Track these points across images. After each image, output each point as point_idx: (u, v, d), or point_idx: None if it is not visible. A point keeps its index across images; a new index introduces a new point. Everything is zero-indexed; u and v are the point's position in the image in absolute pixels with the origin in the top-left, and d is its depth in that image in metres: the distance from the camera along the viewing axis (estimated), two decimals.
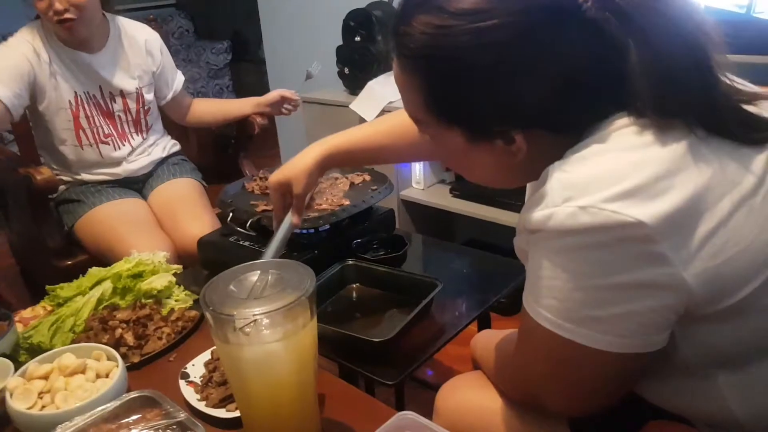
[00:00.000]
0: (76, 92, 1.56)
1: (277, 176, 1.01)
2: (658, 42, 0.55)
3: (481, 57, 0.57)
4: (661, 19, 0.55)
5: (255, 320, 0.66)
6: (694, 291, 0.53)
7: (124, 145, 1.66)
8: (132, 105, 1.64)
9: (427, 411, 0.70)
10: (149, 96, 1.68)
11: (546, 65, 0.57)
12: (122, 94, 1.62)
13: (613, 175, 0.54)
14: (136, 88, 1.64)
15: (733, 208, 0.54)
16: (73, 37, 1.50)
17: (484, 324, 1.23)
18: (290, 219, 1.02)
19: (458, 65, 0.58)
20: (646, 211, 0.51)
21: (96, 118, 1.60)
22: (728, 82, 0.59)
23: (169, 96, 1.75)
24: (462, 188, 2.07)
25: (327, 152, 1.00)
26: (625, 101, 0.58)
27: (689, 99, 0.56)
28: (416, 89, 0.63)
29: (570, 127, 0.61)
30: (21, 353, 0.99)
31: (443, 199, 2.09)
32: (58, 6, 1.42)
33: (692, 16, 0.56)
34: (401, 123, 0.98)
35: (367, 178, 1.37)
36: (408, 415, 0.68)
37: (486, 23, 0.56)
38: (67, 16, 1.44)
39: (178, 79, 1.78)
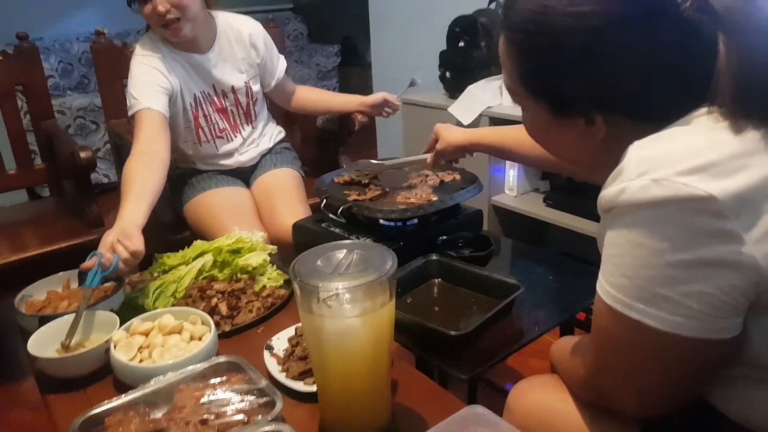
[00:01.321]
0: (194, 94, 1.63)
1: (438, 127, 1.31)
2: (747, 45, 0.57)
3: (574, 39, 0.61)
4: (752, 25, 0.57)
5: (337, 294, 0.70)
6: (765, 272, 0.53)
7: (236, 137, 1.75)
8: (242, 99, 1.72)
9: (498, 413, 0.70)
10: (256, 87, 1.75)
11: (635, 56, 0.60)
12: (233, 89, 1.69)
13: (688, 151, 0.55)
14: (245, 82, 1.71)
15: None
16: (180, 39, 1.53)
17: (567, 334, 1.20)
18: (425, 156, 1.34)
19: (552, 43, 0.63)
20: (717, 186, 0.52)
21: (212, 115, 1.68)
22: None
23: (273, 83, 1.80)
24: (556, 198, 2.03)
25: (473, 140, 1.25)
26: (708, 99, 0.59)
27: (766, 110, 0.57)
28: (513, 61, 0.68)
29: (651, 117, 0.62)
30: (127, 313, 1.09)
31: (536, 207, 2.05)
32: (161, 8, 1.45)
33: None
34: None
35: (457, 177, 1.38)
36: (478, 409, 0.69)
37: (584, 8, 0.60)
38: (170, 17, 1.47)
39: (281, 66, 1.81)
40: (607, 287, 0.60)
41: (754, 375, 0.60)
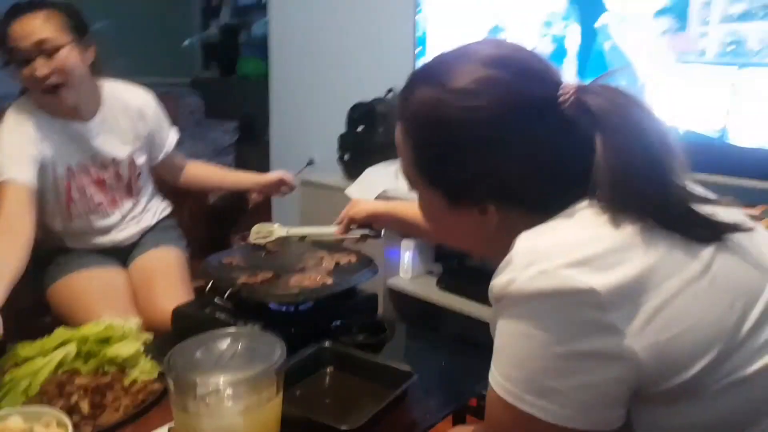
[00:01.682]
0: (68, 165, 1.51)
1: (355, 199, 1.35)
2: (622, 144, 0.62)
3: (464, 131, 0.65)
4: (628, 126, 0.62)
5: (218, 389, 0.63)
6: (644, 364, 0.56)
7: (113, 213, 1.62)
8: (124, 171, 1.61)
9: None
10: (141, 160, 1.64)
11: (519, 148, 0.65)
12: (114, 161, 1.58)
13: (573, 244, 0.59)
14: (128, 155, 1.60)
15: (679, 288, 0.57)
16: (62, 105, 1.44)
17: (460, 423, 1.17)
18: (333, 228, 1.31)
19: (444, 135, 0.67)
20: (597, 280, 0.55)
21: (87, 188, 1.56)
22: (683, 186, 0.64)
23: (161, 156, 1.71)
24: (448, 281, 2.06)
25: (384, 210, 1.27)
26: (589, 191, 0.63)
27: (644, 196, 0.61)
28: (409, 149, 0.72)
29: (539, 207, 0.66)
30: None
31: (429, 290, 2.07)
32: (39, 72, 1.35)
33: (656, 127, 0.64)
34: None
35: (353, 259, 1.36)
36: None
37: (472, 103, 0.65)
38: (51, 81, 1.38)
39: (170, 140, 1.72)
40: (499, 378, 0.61)
41: None
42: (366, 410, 0.96)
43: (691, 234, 0.61)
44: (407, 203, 1.25)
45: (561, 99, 0.64)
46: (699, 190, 0.68)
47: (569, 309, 0.56)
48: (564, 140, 0.65)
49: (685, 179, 0.64)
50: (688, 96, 1.66)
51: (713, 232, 0.62)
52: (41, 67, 1.36)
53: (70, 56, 1.40)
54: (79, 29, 1.43)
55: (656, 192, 0.61)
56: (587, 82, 0.67)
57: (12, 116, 1.45)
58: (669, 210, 0.61)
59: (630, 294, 0.56)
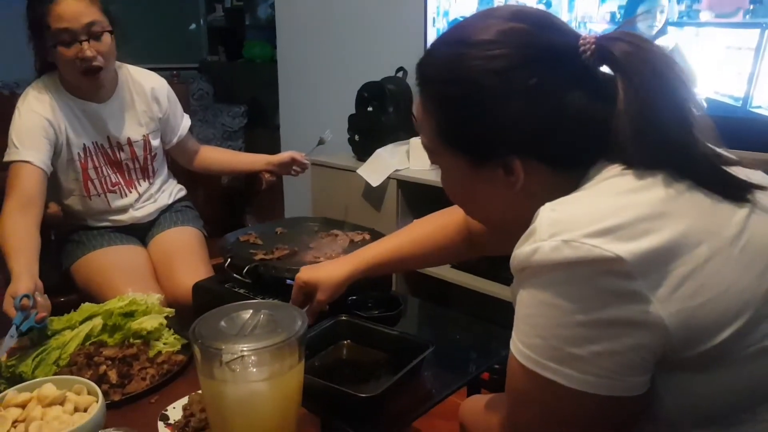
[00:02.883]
0: (84, 144, 1.55)
1: (307, 274, 1.08)
2: (646, 95, 0.61)
3: (487, 81, 0.64)
4: (651, 76, 0.61)
5: (242, 356, 0.66)
6: (671, 331, 0.55)
7: (131, 192, 1.66)
8: (139, 152, 1.65)
9: None
10: (155, 142, 1.68)
11: (543, 97, 0.64)
12: (129, 142, 1.62)
13: (598, 214, 0.57)
14: (143, 136, 1.64)
15: (710, 254, 0.56)
16: (95, 87, 1.50)
17: (474, 394, 1.20)
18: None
19: (469, 86, 0.66)
20: (624, 248, 0.54)
21: (104, 168, 1.60)
22: (707, 144, 0.63)
23: (174, 140, 1.75)
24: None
25: (360, 266, 1.08)
26: (613, 148, 0.62)
27: (668, 150, 0.60)
28: (430, 116, 0.71)
29: (564, 161, 0.66)
30: (1, 382, 0.98)
31: (442, 268, 2.09)
32: (88, 53, 1.41)
33: (681, 78, 0.62)
34: (432, 231, 1.09)
35: (367, 236, 1.38)
36: None
37: (494, 51, 0.64)
38: (96, 64, 1.43)
39: (184, 124, 1.76)
40: (520, 346, 0.61)
41: (663, 431, 0.62)
42: (383, 380, 0.99)
43: (722, 191, 0.60)
44: (381, 242, 1.14)
45: (582, 48, 0.64)
46: (722, 150, 0.66)
47: (594, 278, 0.55)
48: (586, 90, 0.64)
49: (708, 138, 0.63)
50: (708, 62, 1.59)
51: (744, 191, 0.61)
52: (89, 49, 1.41)
53: (111, 41, 1.46)
54: (110, 15, 1.48)
55: (681, 138, 0.60)
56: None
57: (31, 96, 1.49)
58: (696, 161, 0.60)
59: (659, 261, 0.55)
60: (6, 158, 1.41)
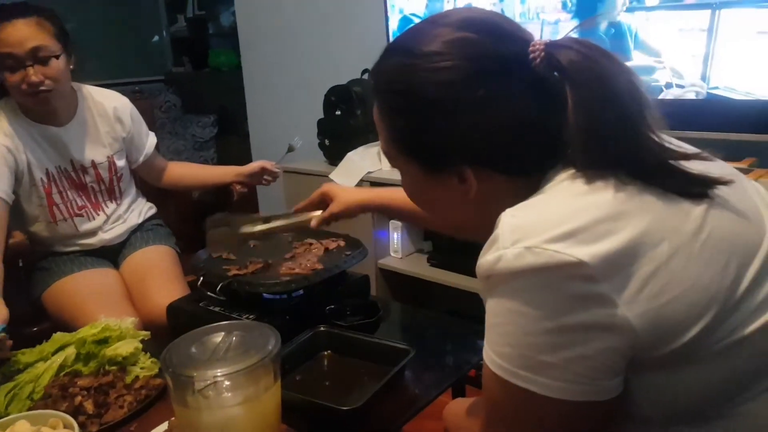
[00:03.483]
0: (47, 169, 1.52)
1: (329, 186, 1.24)
2: (591, 104, 0.61)
3: (434, 93, 0.65)
4: (597, 78, 0.61)
5: (215, 382, 0.65)
6: (638, 332, 0.55)
7: (98, 215, 1.63)
8: (105, 174, 1.62)
9: None
10: (121, 162, 1.66)
11: (491, 108, 0.64)
12: (93, 164, 1.59)
13: (557, 218, 0.57)
14: (107, 157, 1.62)
15: (671, 252, 0.56)
16: (45, 109, 1.46)
17: (459, 395, 1.20)
18: (308, 216, 1.21)
19: (416, 99, 0.66)
20: (586, 251, 0.54)
21: (69, 192, 1.56)
22: (659, 140, 0.63)
23: (141, 159, 1.72)
24: (439, 258, 2.08)
25: (375, 199, 1.23)
26: (565, 153, 0.63)
27: (617, 155, 0.60)
28: (385, 123, 0.72)
29: (516, 169, 0.66)
30: None
31: (421, 267, 2.09)
32: (34, 78, 1.37)
33: (627, 79, 0.62)
34: None
35: (342, 243, 1.37)
36: None
37: (441, 64, 0.64)
38: (43, 88, 1.40)
39: (150, 142, 1.74)
40: (492, 355, 0.60)
41: (641, 429, 0.62)
42: (366, 390, 0.98)
43: (677, 189, 0.60)
44: (388, 189, 1.24)
45: (531, 56, 0.63)
46: (676, 143, 0.66)
47: (558, 283, 0.55)
48: (536, 98, 0.64)
49: (660, 134, 0.63)
50: (666, 45, 1.61)
51: (700, 187, 0.61)
52: (35, 75, 1.37)
53: (61, 64, 1.42)
54: (65, 36, 1.45)
55: (629, 143, 0.60)
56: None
57: None
58: (645, 163, 0.60)
59: (621, 262, 0.55)
60: None
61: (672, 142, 0.65)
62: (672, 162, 0.62)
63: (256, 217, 1.29)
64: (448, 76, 0.64)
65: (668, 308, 0.55)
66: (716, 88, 1.55)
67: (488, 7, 1.95)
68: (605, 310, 0.54)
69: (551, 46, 0.63)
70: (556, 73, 0.63)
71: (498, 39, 0.65)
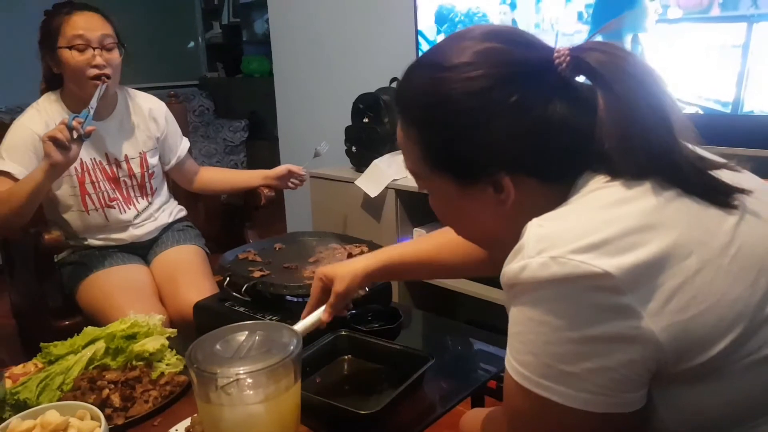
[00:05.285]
0: (82, 159, 1.58)
1: (325, 269, 1.05)
2: (627, 102, 0.60)
3: (468, 103, 0.64)
4: (629, 82, 0.61)
5: (237, 379, 0.66)
6: (663, 345, 0.54)
7: (129, 209, 1.69)
8: (136, 169, 1.68)
9: None
10: (153, 160, 1.72)
11: (524, 112, 0.64)
12: (126, 159, 1.66)
13: (584, 228, 0.57)
14: (140, 153, 1.69)
15: (700, 266, 0.55)
16: (102, 97, 1.54)
17: (478, 406, 1.19)
18: (319, 314, 1.02)
19: (449, 111, 0.66)
20: (612, 263, 0.54)
21: (101, 183, 1.63)
22: (690, 147, 0.62)
23: (173, 161, 1.79)
24: None
25: (378, 264, 1.04)
26: (598, 158, 0.62)
27: (653, 157, 0.60)
28: (413, 141, 0.70)
29: (552, 174, 0.66)
30: (6, 409, 0.99)
31: None
32: (100, 60, 1.49)
33: (658, 84, 0.62)
34: (455, 237, 0.99)
35: (365, 249, 1.39)
36: None
37: (472, 73, 0.64)
38: (106, 71, 1.51)
39: (183, 146, 1.82)
40: (514, 364, 0.60)
41: None
42: (385, 395, 0.99)
43: (709, 198, 0.59)
44: (390, 247, 1.11)
45: (557, 62, 0.64)
46: (704, 152, 0.65)
47: (582, 294, 0.54)
48: (567, 101, 0.64)
49: (690, 141, 0.63)
50: (694, 61, 1.53)
51: (731, 196, 0.60)
52: (99, 57, 1.50)
53: (118, 57, 1.55)
54: (119, 36, 1.58)
55: (665, 143, 0.60)
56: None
57: (29, 113, 1.56)
58: (681, 167, 0.60)
59: (648, 274, 0.54)
60: None
61: (698, 149, 0.65)
62: (704, 169, 0.61)
63: None
64: (480, 84, 0.64)
65: (694, 322, 0.55)
66: (750, 113, 1.48)
67: (499, 16, 1.97)
68: (629, 322, 0.54)
69: (576, 50, 0.64)
70: (584, 78, 0.64)
71: (523, 46, 0.66)
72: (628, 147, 0.60)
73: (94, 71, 1.50)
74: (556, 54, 0.64)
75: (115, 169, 1.65)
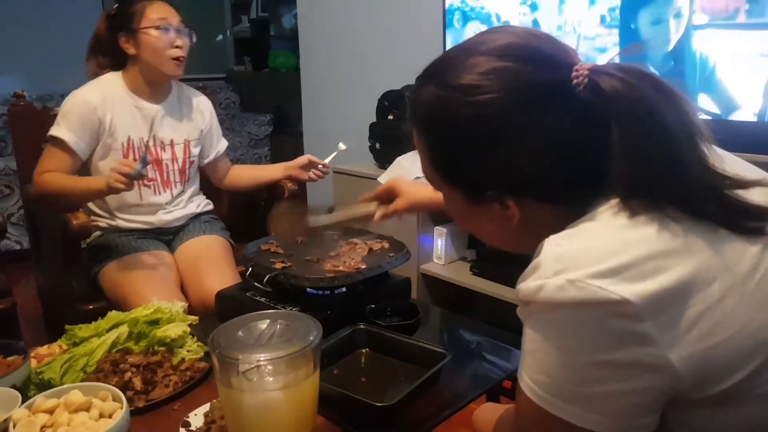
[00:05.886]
0: (130, 136, 1.65)
1: (395, 181, 1.21)
2: (638, 135, 0.58)
3: (473, 126, 0.63)
4: (643, 110, 0.58)
5: (258, 366, 0.68)
6: (681, 374, 0.53)
7: (165, 192, 1.74)
8: (180, 155, 1.74)
9: None
10: (195, 150, 1.79)
11: (532, 138, 0.62)
12: (172, 143, 1.73)
13: (604, 251, 0.55)
14: (185, 140, 1.75)
15: (723, 293, 0.54)
16: (176, 76, 1.67)
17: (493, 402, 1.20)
18: (372, 208, 1.20)
19: (454, 133, 0.65)
20: (631, 290, 0.52)
21: None
22: (712, 170, 0.59)
23: (212, 156, 1.86)
24: (482, 267, 2.07)
25: (429, 199, 1.14)
26: (610, 182, 0.60)
27: (666, 186, 0.58)
28: (424, 150, 0.70)
29: (560, 199, 0.64)
30: (31, 388, 1.01)
31: (463, 276, 2.09)
32: (180, 42, 1.62)
33: (677, 107, 0.59)
34: None
35: (386, 245, 1.39)
36: None
37: (479, 97, 0.62)
38: (183, 54, 1.64)
39: (222, 144, 1.90)
40: (527, 381, 0.60)
41: None
42: (401, 388, 1.00)
43: (733, 227, 0.57)
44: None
45: (575, 81, 0.60)
46: (733, 168, 0.61)
47: (600, 320, 0.53)
48: (580, 125, 0.61)
49: (716, 156, 0.60)
50: (721, 68, 1.50)
51: (755, 221, 0.58)
52: (180, 40, 1.63)
53: (189, 43, 1.67)
54: None
55: (677, 181, 0.58)
56: (604, 62, 0.63)
57: (88, 86, 1.65)
58: (695, 198, 0.57)
59: (669, 302, 0.53)
60: (50, 132, 1.58)
61: (727, 168, 0.61)
62: (728, 193, 0.59)
63: (320, 206, 1.33)
64: (486, 109, 0.62)
65: (715, 351, 0.54)
66: None
67: (519, 18, 1.92)
68: (647, 350, 0.53)
69: (594, 72, 0.60)
70: (599, 99, 0.60)
71: (538, 66, 0.62)
72: (639, 178, 0.58)
73: (177, 51, 1.62)
74: (575, 72, 0.61)
75: (159, 152, 1.71)
